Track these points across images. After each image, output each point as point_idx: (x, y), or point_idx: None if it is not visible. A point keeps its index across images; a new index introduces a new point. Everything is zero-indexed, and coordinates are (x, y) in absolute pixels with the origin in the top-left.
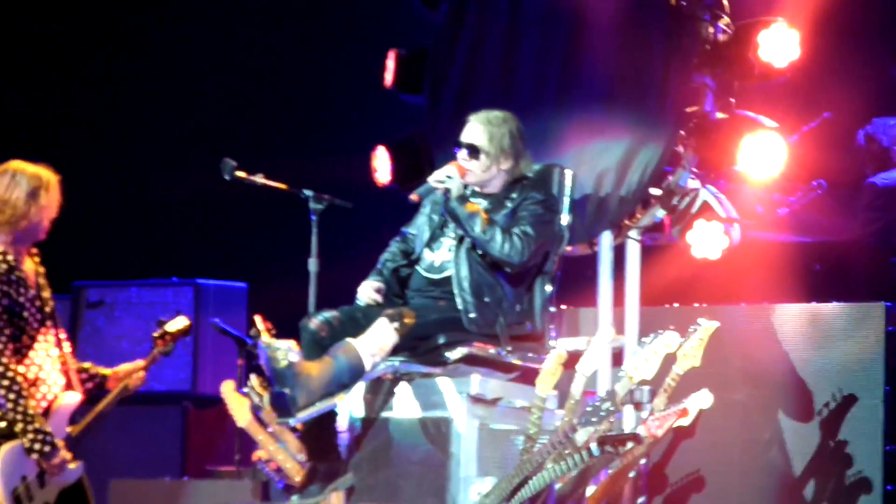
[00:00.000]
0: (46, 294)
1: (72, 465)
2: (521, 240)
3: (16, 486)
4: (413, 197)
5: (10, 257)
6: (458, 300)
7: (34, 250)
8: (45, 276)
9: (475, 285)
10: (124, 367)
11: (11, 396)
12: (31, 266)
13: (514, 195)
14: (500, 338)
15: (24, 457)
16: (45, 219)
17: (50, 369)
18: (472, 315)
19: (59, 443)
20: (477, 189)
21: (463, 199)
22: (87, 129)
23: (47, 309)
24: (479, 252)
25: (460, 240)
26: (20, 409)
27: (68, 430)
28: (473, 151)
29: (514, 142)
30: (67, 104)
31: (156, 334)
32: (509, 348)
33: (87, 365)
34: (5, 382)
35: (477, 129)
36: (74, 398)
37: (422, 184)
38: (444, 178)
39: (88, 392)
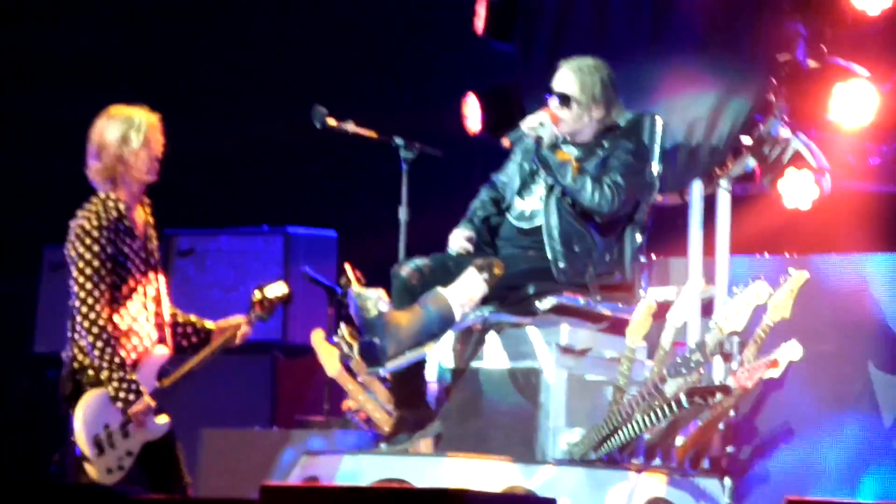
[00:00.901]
0: (152, 245)
1: (159, 419)
2: (612, 189)
3: (98, 433)
4: (504, 142)
5: (121, 205)
6: (548, 249)
7: (146, 199)
8: (155, 226)
9: (564, 235)
10: (226, 322)
11: (99, 344)
12: (141, 215)
13: (605, 143)
14: (588, 287)
15: (108, 405)
16: (143, 160)
17: (144, 322)
18: (561, 265)
19: (144, 391)
20: (568, 138)
21: (554, 147)
22: (179, 76)
23: (152, 261)
24: (570, 201)
25: (550, 188)
26: (107, 357)
27: (157, 383)
28: (565, 100)
29: (605, 90)
30: (163, 50)
31: (255, 298)
32: (598, 297)
33: (192, 318)
34: (95, 330)
35: (568, 77)
36: (163, 352)
37: (513, 130)
38: (537, 124)
39: (192, 346)
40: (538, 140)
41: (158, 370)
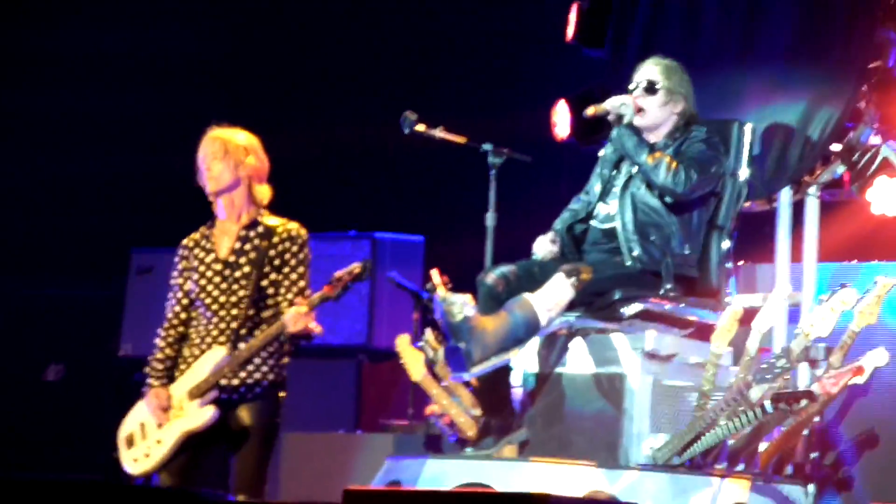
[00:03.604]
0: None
1: (197, 411)
2: (685, 171)
3: (132, 430)
4: (588, 111)
5: None
6: (622, 241)
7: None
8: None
9: (640, 225)
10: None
11: (158, 335)
12: None
13: (677, 136)
14: (663, 276)
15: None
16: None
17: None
18: (635, 252)
19: (159, 388)
20: (648, 134)
21: (632, 127)
22: (270, 82)
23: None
24: (645, 194)
25: (625, 185)
26: (155, 346)
27: (204, 377)
28: (650, 87)
29: (688, 86)
30: (250, 57)
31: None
32: (670, 287)
33: None
34: (164, 324)
35: (652, 68)
36: (219, 353)
37: (602, 137)
38: (619, 104)
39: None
40: (619, 118)
41: (214, 368)
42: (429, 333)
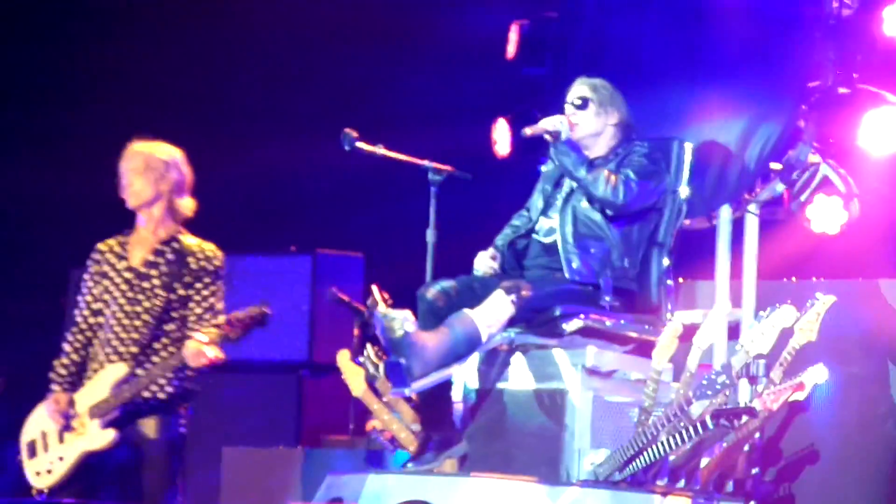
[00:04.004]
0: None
1: (99, 432)
2: (624, 182)
3: (33, 438)
4: (525, 132)
5: None
6: (561, 253)
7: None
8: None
9: (580, 238)
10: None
11: (65, 339)
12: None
13: (619, 151)
14: (602, 289)
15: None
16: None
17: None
18: (574, 265)
19: (58, 389)
20: (585, 153)
21: (570, 144)
22: (211, 98)
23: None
24: (585, 207)
25: (566, 199)
26: (62, 350)
27: (104, 395)
28: (582, 103)
29: (619, 99)
30: (188, 73)
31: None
32: (609, 299)
33: None
34: (71, 328)
35: (581, 86)
36: (119, 369)
37: (543, 154)
38: (555, 123)
39: None
40: (556, 134)
41: (112, 385)
42: (369, 349)
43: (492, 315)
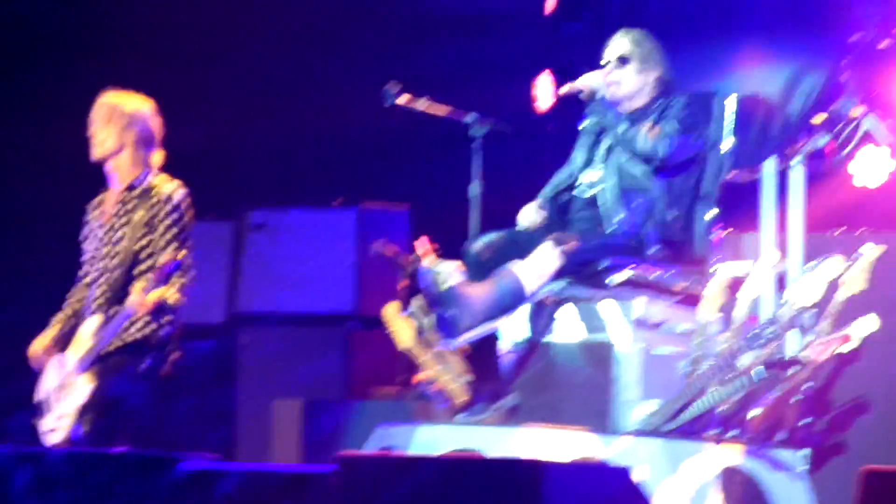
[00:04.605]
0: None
1: (83, 385)
2: (665, 135)
3: (41, 399)
4: (562, 90)
5: None
6: (605, 206)
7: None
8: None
9: (623, 191)
10: None
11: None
12: None
13: (658, 103)
14: (646, 240)
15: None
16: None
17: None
18: (618, 218)
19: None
20: (624, 104)
21: (606, 102)
22: (253, 48)
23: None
24: (627, 157)
25: (608, 153)
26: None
27: (87, 347)
28: (621, 60)
29: (660, 53)
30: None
31: None
32: (654, 248)
33: None
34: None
35: (621, 40)
36: (94, 322)
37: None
38: (593, 80)
39: None
40: (593, 92)
41: (90, 336)
42: (417, 301)
43: (538, 268)
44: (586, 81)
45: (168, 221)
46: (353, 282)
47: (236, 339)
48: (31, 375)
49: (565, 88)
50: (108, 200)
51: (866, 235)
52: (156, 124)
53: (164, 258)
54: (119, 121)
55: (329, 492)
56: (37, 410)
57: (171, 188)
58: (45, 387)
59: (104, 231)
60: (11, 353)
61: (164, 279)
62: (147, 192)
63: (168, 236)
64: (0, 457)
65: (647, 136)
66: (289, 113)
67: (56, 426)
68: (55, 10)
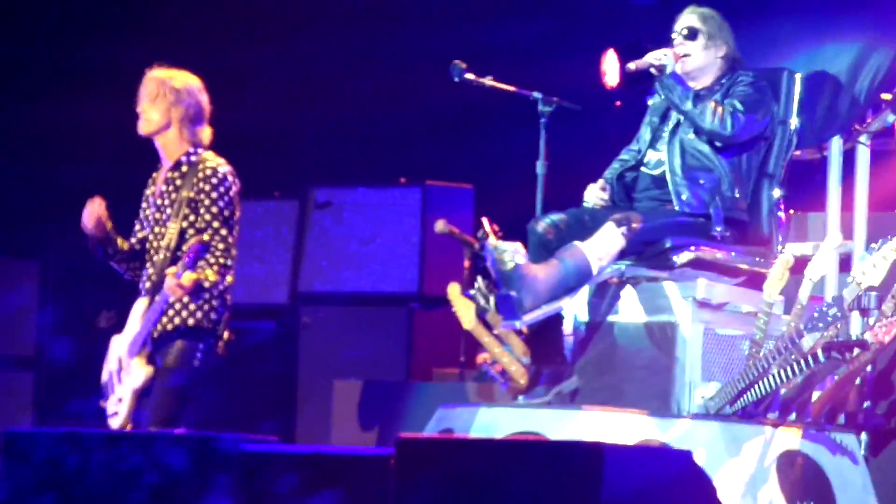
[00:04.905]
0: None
1: (137, 369)
2: (731, 113)
3: (105, 381)
4: (630, 66)
5: None
6: (670, 185)
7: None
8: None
9: (688, 170)
10: None
11: None
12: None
13: (724, 81)
14: (713, 219)
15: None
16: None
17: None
18: (684, 196)
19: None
20: (692, 80)
21: (675, 77)
22: (319, 27)
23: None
24: (693, 135)
25: (674, 130)
26: None
27: (136, 330)
28: (690, 34)
29: (728, 31)
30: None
31: None
32: (719, 228)
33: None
34: None
35: (690, 15)
36: (142, 304)
37: (651, 86)
38: (661, 55)
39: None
40: (661, 68)
41: (139, 318)
42: (480, 282)
43: (602, 247)
44: (655, 56)
45: (211, 199)
46: (417, 261)
47: (299, 319)
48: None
49: (633, 65)
50: (159, 178)
51: None
52: (204, 100)
53: (195, 240)
54: (167, 97)
55: (388, 474)
56: (102, 393)
57: (214, 165)
58: (107, 369)
59: (154, 210)
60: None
61: (192, 262)
62: (192, 170)
63: (210, 214)
64: (64, 437)
65: (713, 114)
66: (353, 91)
67: (117, 409)
68: None
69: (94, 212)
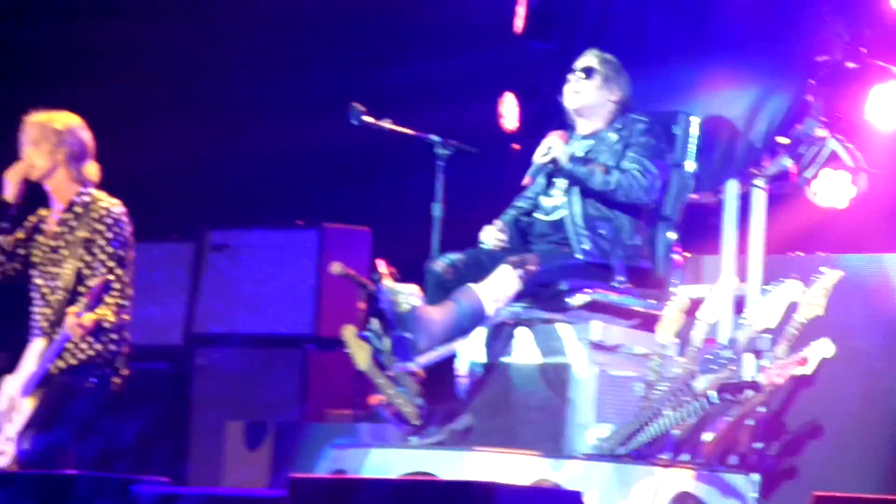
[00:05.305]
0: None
1: (26, 405)
2: (645, 176)
3: None
4: (526, 181)
5: None
6: (571, 235)
7: None
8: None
9: (589, 219)
10: None
11: None
12: None
13: (617, 126)
14: (615, 269)
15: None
16: None
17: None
18: (585, 246)
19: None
20: (580, 117)
21: (574, 160)
22: (214, 70)
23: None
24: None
25: None
26: None
27: (31, 370)
28: (587, 72)
29: (626, 80)
30: (196, 44)
31: None
32: (621, 278)
33: None
34: None
35: (590, 57)
36: (39, 346)
37: (531, 168)
38: (546, 150)
39: None
40: (554, 161)
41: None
42: (375, 323)
43: (498, 289)
44: (541, 153)
45: (106, 238)
46: (313, 303)
47: (193, 360)
48: None
49: (527, 179)
50: (50, 220)
51: (824, 259)
52: (86, 137)
53: (94, 280)
54: (49, 139)
55: None
56: None
57: (108, 206)
58: None
59: (47, 251)
60: None
61: (95, 302)
62: (86, 211)
63: (106, 254)
64: None
65: (627, 186)
66: (250, 134)
67: (3, 449)
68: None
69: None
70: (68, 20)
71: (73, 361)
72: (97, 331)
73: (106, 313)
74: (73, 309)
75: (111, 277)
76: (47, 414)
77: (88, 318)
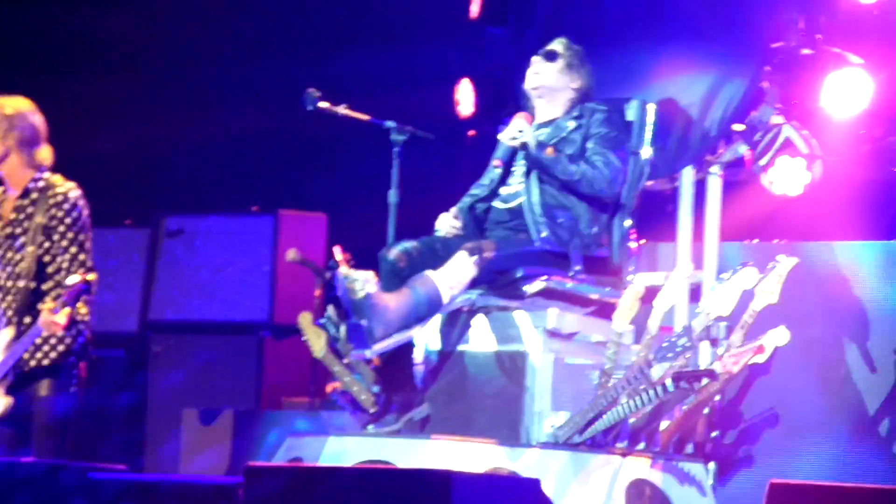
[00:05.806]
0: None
1: None
2: (609, 168)
3: None
4: (495, 163)
5: None
6: (529, 223)
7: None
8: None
9: (547, 207)
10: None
11: None
12: None
13: (575, 114)
14: (571, 258)
15: None
16: None
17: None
18: (543, 234)
19: None
20: (538, 121)
21: (541, 146)
22: (169, 56)
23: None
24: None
25: (529, 167)
26: None
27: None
28: (550, 56)
29: (588, 71)
30: (151, 31)
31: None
32: (578, 267)
33: None
34: None
35: (556, 43)
36: (5, 336)
37: (498, 149)
38: (516, 132)
39: None
40: (524, 146)
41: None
42: (331, 310)
43: (454, 276)
44: (511, 134)
45: (66, 224)
46: (268, 290)
47: (149, 347)
48: None
49: (497, 162)
50: (6, 206)
51: (779, 247)
52: (38, 121)
53: (72, 279)
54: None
55: (236, 503)
56: None
57: (64, 191)
58: None
59: (5, 239)
60: None
61: (72, 300)
62: (43, 197)
63: (67, 241)
64: None
65: (591, 177)
66: (206, 119)
67: None
68: None
69: None
70: (23, 6)
71: (44, 361)
72: (70, 326)
73: (79, 307)
74: (48, 305)
75: (90, 278)
76: (20, 410)
77: (63, 316)
